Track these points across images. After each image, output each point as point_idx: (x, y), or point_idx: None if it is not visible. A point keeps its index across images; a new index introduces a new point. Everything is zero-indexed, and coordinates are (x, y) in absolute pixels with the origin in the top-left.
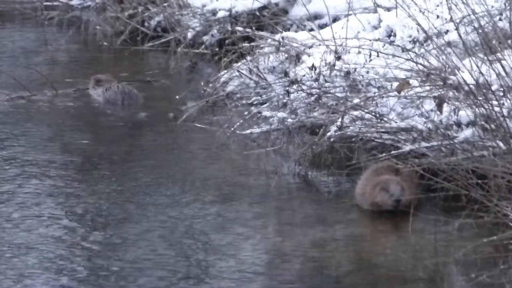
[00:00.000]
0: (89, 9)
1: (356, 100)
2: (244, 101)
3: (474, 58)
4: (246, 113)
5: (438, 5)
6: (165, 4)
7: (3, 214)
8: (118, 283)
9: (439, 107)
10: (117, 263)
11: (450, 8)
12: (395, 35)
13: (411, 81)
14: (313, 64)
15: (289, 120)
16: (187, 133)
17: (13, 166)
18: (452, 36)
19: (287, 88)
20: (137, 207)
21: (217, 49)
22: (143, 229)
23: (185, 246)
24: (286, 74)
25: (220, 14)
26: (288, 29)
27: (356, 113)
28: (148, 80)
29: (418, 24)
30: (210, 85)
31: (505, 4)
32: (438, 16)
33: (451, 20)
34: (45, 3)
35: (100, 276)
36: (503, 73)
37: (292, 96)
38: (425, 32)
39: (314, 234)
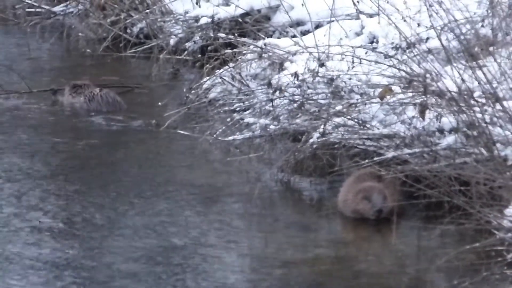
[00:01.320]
0: (71, 16)
1: (338, 107)
2: (226, 108)
3: (456, 65)
4: (228, 119)
5: (417, 12)
6: (147, 11)
7: None
8: None
9: (422, 113)
10: (98, 269)
11: (430, 15)
12: (377, 42)
13: (393, 87)
14: (295, 72)
15: (272, 126)
16: (169, 140)
17: None
18: (434, 43)
19: (271, 97)
20: (118, 213)
21: (199, 55)
22: (124, 235)
23: (166, 252)
24: (269, 84)
25: (203, 20)
26: (271, 36)
27: (338, 119)
28: (129, 87)
29: (400, 32)
30: (193, 91)
31: (487, 11)
32: (419, 25)
33: (432, 27)
34: (27, 9)
35: (82, 281)
36: (485, 80)
37: (275, 102)
38: (406, 39)
39: (296, 240)
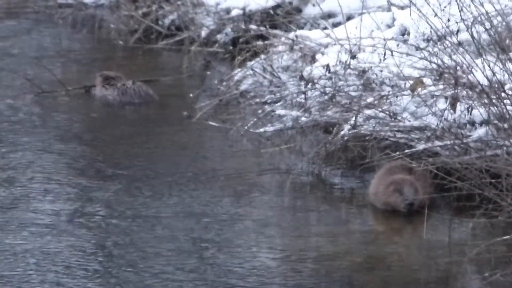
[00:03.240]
0: (103, 8)
1: (370, 99)
2: (258, 100)
3: (486, 58)
4: (260, 111)
5: (446, 6)
6: (179, 3)
7: (14, 215)
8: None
9: (453, 106)
10: (127, 256)
11: (461, 10)
12: (408, 34)
13: (425, 80)
14: (327, 64)
15: (303, 118)
16: (201, 132)
17: (27, 164)
18: (465, 35)
19: (303, 89)
20: (150, 203)
21: (231, 47)
22: (154, 225)
23: (196, 243)
24: (301, 77)
25: (234, 12)
26: (302, 28)
27: (369, 111)
28: (157, 79)
29: (430, 25)
30: (224, 83)
31: None
32: (449, 19)
33: (462, 20)
34: (59, 1)
35: (115, 265)
36: None
37: (306, 94)
38: (436, 32)
39: (327, 232)
